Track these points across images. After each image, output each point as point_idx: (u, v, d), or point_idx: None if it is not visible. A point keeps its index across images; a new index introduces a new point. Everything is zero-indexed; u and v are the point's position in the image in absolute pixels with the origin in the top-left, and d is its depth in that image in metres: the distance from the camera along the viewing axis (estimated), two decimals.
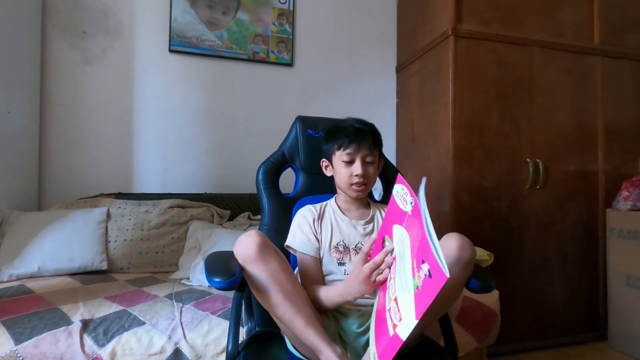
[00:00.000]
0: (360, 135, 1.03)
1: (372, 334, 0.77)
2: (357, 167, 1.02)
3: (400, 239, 0.74)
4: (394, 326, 0.67)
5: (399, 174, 0.79)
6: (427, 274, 0.60)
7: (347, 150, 1.02)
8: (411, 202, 0.72)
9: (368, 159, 1.03)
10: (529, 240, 1.95)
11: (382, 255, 0.80)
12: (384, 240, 0.83)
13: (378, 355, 0.70)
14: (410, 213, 0.72)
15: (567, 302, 2.00)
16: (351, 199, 1.08)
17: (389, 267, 0.79)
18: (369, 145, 1.03)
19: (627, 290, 1.90)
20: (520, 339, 1.92)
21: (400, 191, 0.77)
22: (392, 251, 0.79)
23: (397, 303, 0.68)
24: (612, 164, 2.09)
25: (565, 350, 1.96)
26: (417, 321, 0.61)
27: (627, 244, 1.91)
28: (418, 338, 0.93)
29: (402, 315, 0.65)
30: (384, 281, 0.80)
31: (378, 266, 0.81)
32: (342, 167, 1.04)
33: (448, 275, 0.56)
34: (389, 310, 0.71)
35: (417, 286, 0.62)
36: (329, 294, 0.91)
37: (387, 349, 0.68)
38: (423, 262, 0.61)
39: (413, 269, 0.65)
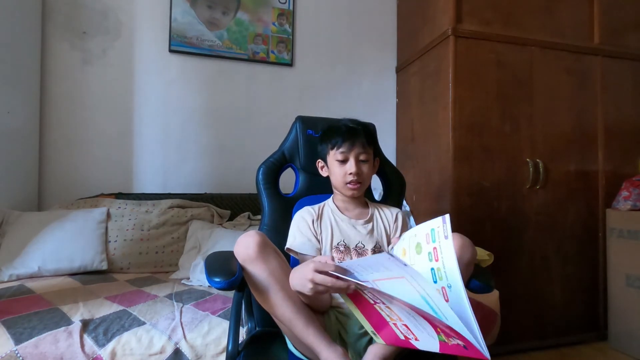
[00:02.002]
0: (353, 134, 1.04)
1: (360, 317, 0.75)
2: (350, 166, 1.02)
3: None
4: (407, 338, 0.67)
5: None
6: (462, 345, 0.60)
7: (341, 149, 1.03)
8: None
9: (362, 157, 1.04)
10: (529, 240, 1.95)
11: (338, 283, 0.70)
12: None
13: (382, 337, 0.70)
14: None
15: (567, 302, 2.00)
16: (348, 199, 1.08)
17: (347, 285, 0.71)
18: (363, 144, 1.04)
19: (627, 290, 1.90)
20: (520, 339, 1.92)
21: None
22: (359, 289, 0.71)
23: (408, 328, 0.67)
24: (612, 164, 2.09)
25: (565, 350, 1.96)
26: (439, 351, 0.63)
27: (627, 244, 1.91)
28: None
29: (419, 338, 0.66)
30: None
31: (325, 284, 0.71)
32: (337, 166, 1.05)
33: (488, 357, 0.56)
34: (395, 325, 0.69)
35: (444, 340, 0.61)
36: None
37: (395, 341, 0.69)
38: (454, 337, 0.60)
39: (434, 327, 0.62)
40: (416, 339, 0.66)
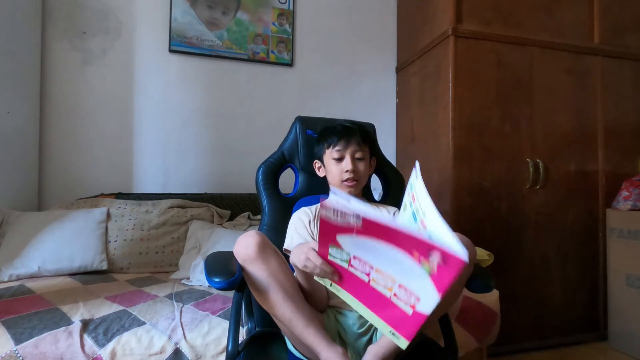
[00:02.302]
0: (348, 132, 1.06)
1: (374, 319, 0.74)
2: (346, 163, 1.04)
3: (356, 244, 0.71)
4: (412, 306, 0.67)
5: (323, 201, 0.72)
6: (440, 262, 0.60)
7: (337, 147, 1.05)
8: (346, 260, 0.72)
9: (357, 155, 1.05)
10: (529, 240, 1.95)
11: (322, 265, 0.77)
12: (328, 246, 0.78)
13: (400, 333, 0.69)
14: (360, 226, 0.69)
15: (567, 302, 2.00)
16: None
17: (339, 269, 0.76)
18: (358, 142, 1.05)
19: (627, 290, 1.90)
20: (520, 339, 1.92)
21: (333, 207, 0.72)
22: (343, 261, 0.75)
23: (405, 288, 0.68)
24: (612, 164, 2.09)
25: (565, 350, 1.96)
26: (440, 297, 0.61)
27: (627, 244, 1.91)
28: (418, 338, 0.93)
29: (420, 295, 0.66)
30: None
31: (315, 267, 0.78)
32: (333, 165, 1.06)
33: (466, 259, 0.55)
34: (395, 295, 0.70)
35: (431, 272, 0.62)
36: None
37: (409, 326, 0.68)
38: (429, 253, 0.61)
39: (416, 260, 0.64)
40: (418, 300, 0.66)
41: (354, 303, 0.77)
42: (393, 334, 0.71)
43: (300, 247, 0.83)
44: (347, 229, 0.71)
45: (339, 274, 0.78)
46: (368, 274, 0.73)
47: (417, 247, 0.62)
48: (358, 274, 0.74)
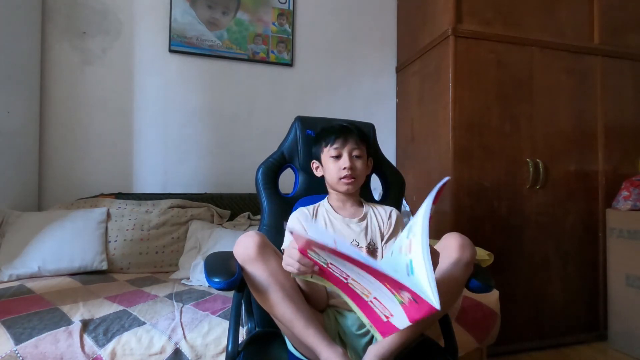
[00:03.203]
0: (346, 131, 1.07)
1: (355, 308, 0.74)
2: (344, 160, 1.04)
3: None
4: (386, 317, 0.68)
5: (294, 234, 0.70)
6: (411, 299, 0.59)
7: (335, 145, 1.05)
8: (324, 262, 0.70)
9: (355, 153, 1.06)
10: (529, 240, 1.95)
11: (304, 262, 0.75)
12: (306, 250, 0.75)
13: (378, 329, 0.71)
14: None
15: (567, 302, 2.00)
16: (344, 197, 1.09)
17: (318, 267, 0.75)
18: (355, 140, 1.06)
19: (627, 290, 1.90)
20: (520, 339, 1.92)
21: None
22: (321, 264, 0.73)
23: (380, 302, 0.67)
24: (612, 164, 2.09)
25: (565, 350, 1.96)
26: (411, 324, 0.63)
27: (627, 244, 1.91)
28: (418, 338, 0.93)
29: (393, 313, 0.66)
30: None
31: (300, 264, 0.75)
32: (331, 163, 1.06)
33: (438, 307, 0.55)
34: (371, 302, 0.69)
35: (402, 302, 0.61)
36: None
37: (386, 328, 0.69)
38: (402, 290, 0.59)
39: (388, 289, 0.62)
40: (391, 315, 0.66)
41: (336, 290, 0.76)
42: (371, 326, 0.72)
43: (288, 250, 0.80)
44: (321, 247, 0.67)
45: (319, 270, 0.76)
46: (346, 278, 0.71)
47: (390, 282, 0.61)
48: (337, 274, 0.72)
